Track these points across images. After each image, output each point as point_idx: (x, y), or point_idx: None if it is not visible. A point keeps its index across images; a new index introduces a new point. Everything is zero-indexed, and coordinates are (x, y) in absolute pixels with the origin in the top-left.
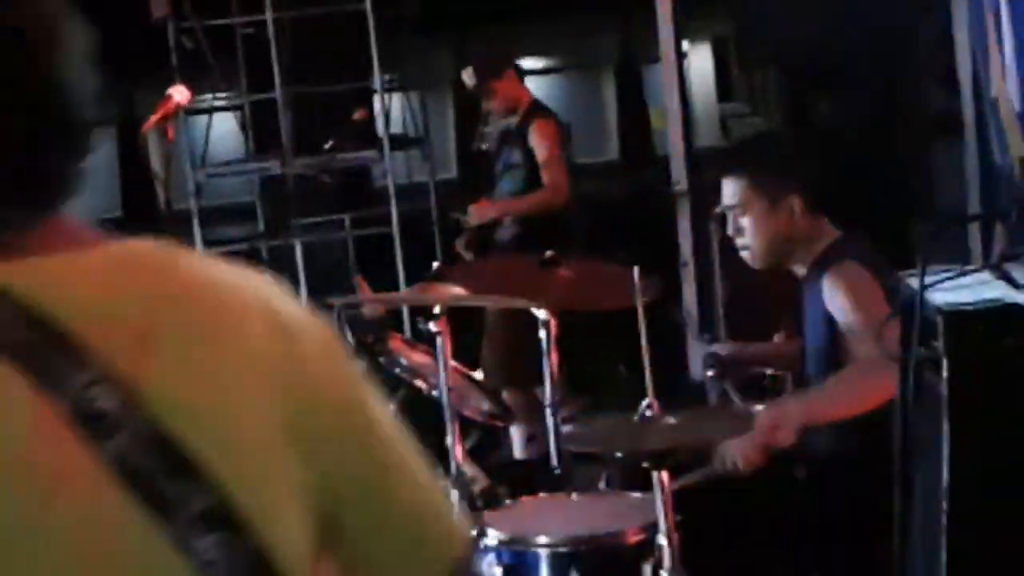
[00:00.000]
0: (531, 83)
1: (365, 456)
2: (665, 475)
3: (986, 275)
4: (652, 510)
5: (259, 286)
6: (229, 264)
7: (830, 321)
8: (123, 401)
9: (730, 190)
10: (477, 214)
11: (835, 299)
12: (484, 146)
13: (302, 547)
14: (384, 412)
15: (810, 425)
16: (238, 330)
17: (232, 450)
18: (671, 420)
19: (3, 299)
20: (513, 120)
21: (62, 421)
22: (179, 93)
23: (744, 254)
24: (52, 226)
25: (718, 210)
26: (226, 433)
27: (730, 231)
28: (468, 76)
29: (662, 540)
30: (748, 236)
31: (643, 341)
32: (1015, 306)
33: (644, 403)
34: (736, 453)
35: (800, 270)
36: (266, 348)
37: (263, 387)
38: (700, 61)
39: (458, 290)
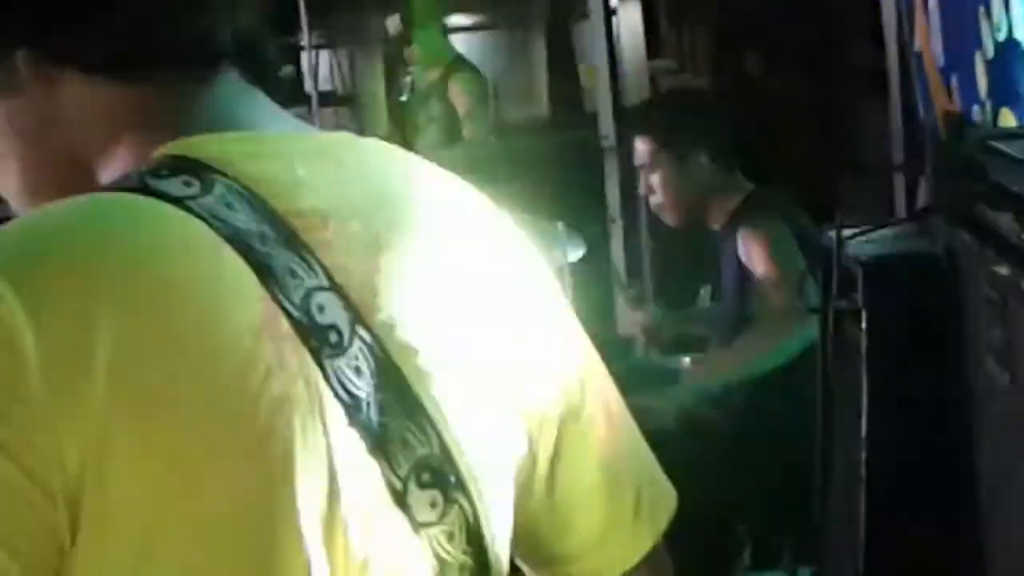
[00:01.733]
0: (460, 40)
1: (600, 404)
2: None
3: (907, 228)
4: None
5: (485, 200)
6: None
7: (745, 275)
8: (351, 315)
9: (640, 149)
10: None
11: (750, 252)
12: (404, 97)
13: (510, 519)
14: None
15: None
16: (479, 249)
17: (456, 389)
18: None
19: (227, 182)
20: (434, 73)
21: (287, 331)
22: None
23: (660, 214)
24: (256, 101)
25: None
26: (455, 368)
27: (642, 190)
28: (392, 24)
29: None
30: (659, 195)
31: (568, 295)
32: (934, 258)
33: None
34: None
35: (715, 224)
36: (523, 277)
37: (498, 309)
38: (629, 18)
39: None
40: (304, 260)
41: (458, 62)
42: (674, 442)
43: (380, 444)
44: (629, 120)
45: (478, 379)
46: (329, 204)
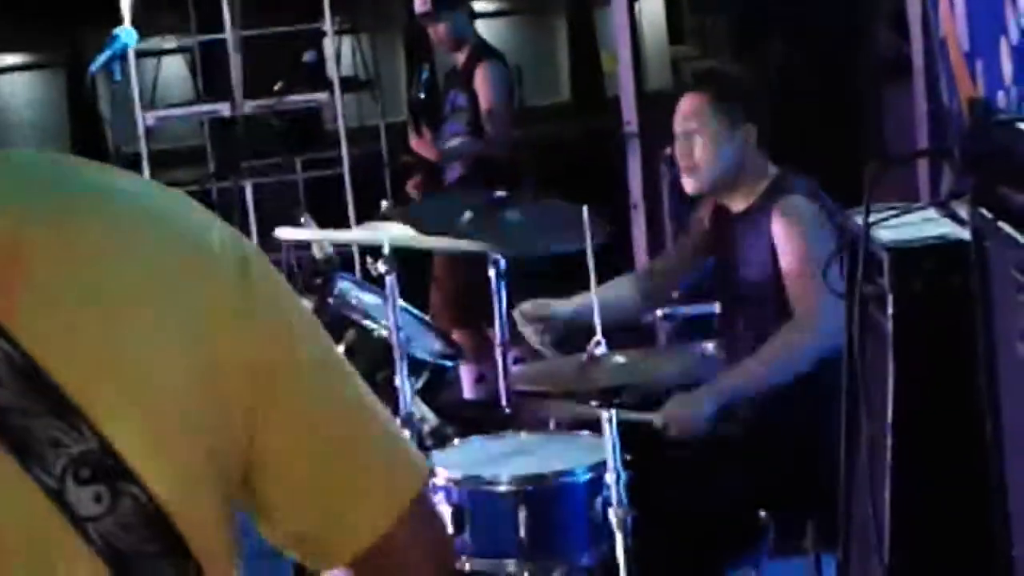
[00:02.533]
0: (483, 25)
1: (298, 393)
2: (613, 414)
3: (932, 213)
4: (601, 449)
5: (167, 199)
6: (132, 176)
7: (774, 255)
8: None
9: (689, 107)
10: (416, 146)
11: (783, 233)
12: (421, 95)
13: (205, 498)
14: (316, 336)
15: (730, 402)
16: (133, 247)
17: (114, 387)
18: (620, 360)
19: None
20: (459, 59)
21: None
22: (126, 33)
23: (686, 180)
24: None
25: (668, 150)
26: (110, 367)
27: (679, 152)
28: (419, 3)
29: (610, 479)
30: (700, 157)
31: (592, 281)
32: (960, 243)
33: (592, 342)
34: (672, 422)
35: (738, 205)
36: (170, 267)
37: (164, 313)
38: (651, 4)
39: (408, 230)
40: None
41: (482, 48)
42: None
43: (23, 446)
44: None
45: (136, 374)
46: None
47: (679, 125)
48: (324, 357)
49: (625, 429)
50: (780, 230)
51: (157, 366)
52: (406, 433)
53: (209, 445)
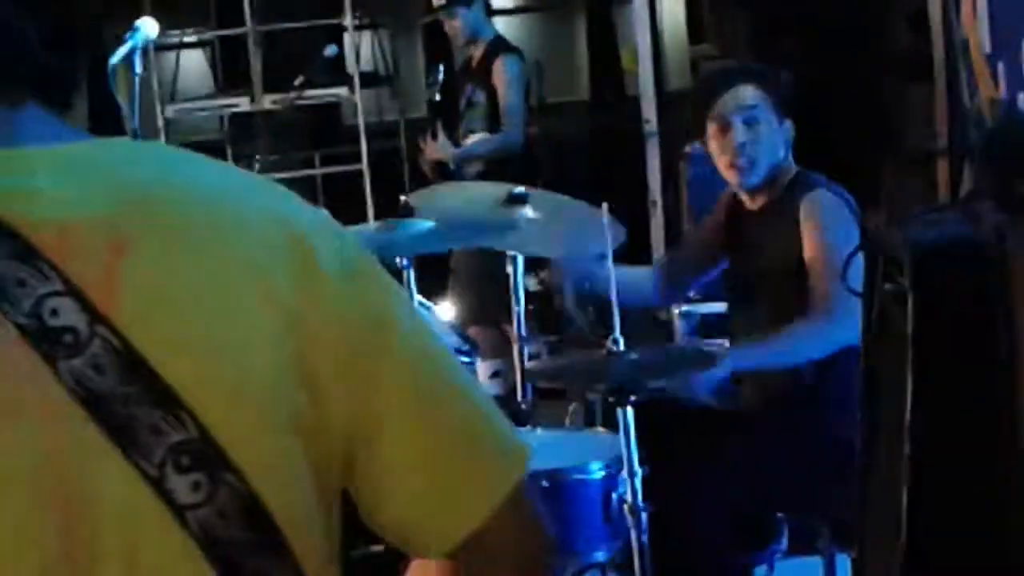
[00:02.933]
0: (502, 22)
1: (397, 381)
2: (630, 411)
3: (954, 212)
4: (616, 446)
5: (264, 189)
6: (226, 165)
7: (793, 250)
8: (90, 316)
9: (750, 96)
10: (429, 153)
11: (809, 225)
12: (437, 97)
13: (302, 492)
14: (419, 324)
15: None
16: (233, 239)
17: (216, 377)
18: (637, 357)
19: None
20: (475, 54)
21: (16, 339)
22: (147, 25)
23: (743, 173)
24: (29, 119)
25: (687, 148)
26: (211, 357)
27: (739, 138)
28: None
29: (626, 474)
30: (760, 150)
31: (611, 278)
32: (981, 243)
33: (611, 339)
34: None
35: (757, 201)
36: (270, 261)
37: (263, 305)
38: (671, 3)
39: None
40: (37, 268)
41: (499, 43)
42: (712, 428)
43: (125, 434)
44: (731, 74)
45: (237, 364)
46: (69, 213)
47: (737, 113)
48: (425, 338)
49: (642, 426)
50: (807, 222)
51: (257, 356)
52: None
53: (306, 435)
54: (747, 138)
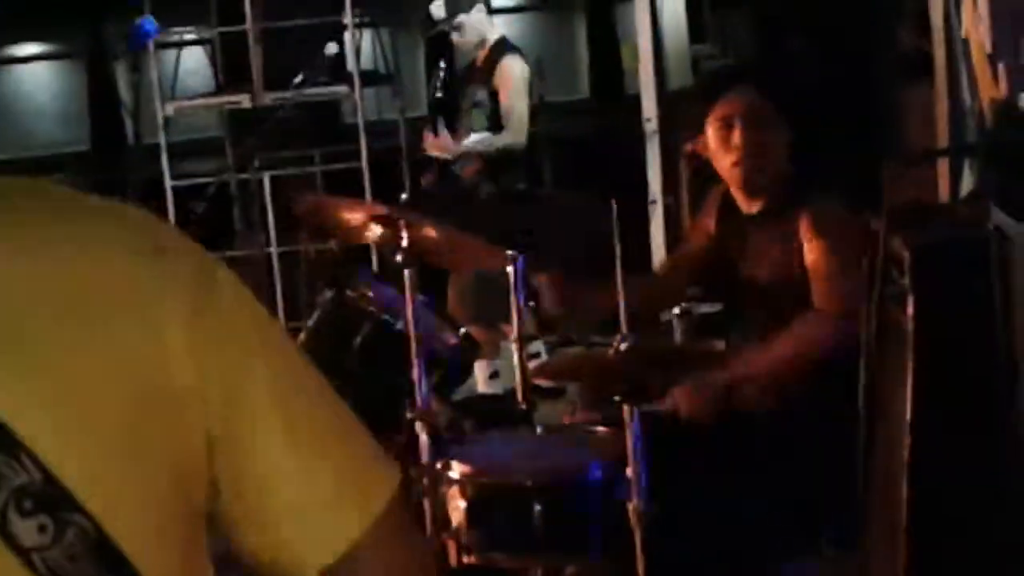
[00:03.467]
0: (503, 21)
1: (263, 398)
2: (633, 409)
3: (953, 212)
4: (617, 444)
5: (112, 214)
6: (87, 194)
7: (791, 256)
8: None
9: (754, 105)
10: (430, 146)
11: (811, 233)
12: (438, 94)
13: (158, 522)
14: (281, 343)
15: (739, 386)
16: (71, 271)
17: (59, 416)
18: (640, 356)
19: None
20: (479, 55)
21: None
22: (149, 24)
23: (754, 177)
24: None
25: (688, 147)
26: (52, 396)
27: (744, 139)
28: (437, 7)
29: (630, 473)
30: (768, 156)
31: (618, 276)
32: (981, 242)
33: (618, 338)
34: (679, 401)
35: (754, 206)
36: (112, 288)
37: (110, 337)
38: (672, 2)
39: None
40: None
41: (504, 45)
42: (713, 428)
43: None
44: (734, 76)
45: (86, 400)
46: None
47: (741, 114)
48: (291, 364)
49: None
50: (809, 231)
51: (101, 392)
52: (420, 427)
53: (163, 467)
54: (752, 139)
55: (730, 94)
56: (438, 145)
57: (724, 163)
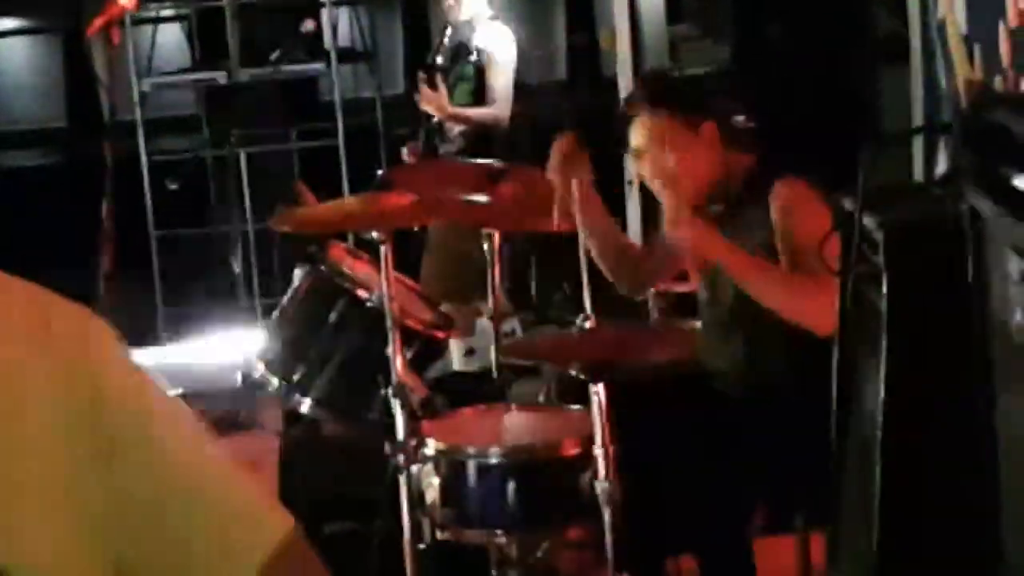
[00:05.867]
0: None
1: (150, 471)
2: (602, 388)
3: (929, 192)
4: (590, 423)
5: (19, 289)
6: None
7: (770, 243)
8: None
9: (652, 128)
10: (426, 98)
11: (783, 214)
12: (439, 59)
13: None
14: (168, 408)
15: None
16: None
17: None
18: (609, 335)
19: None
20: (468, 33)
21: None
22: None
23: (669, 194)
24: None
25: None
26: None
27: (648, 169)
28: None
29: (597, 451)
30: (679, 171)
31: (582, 255)
32: (955, 222)
33: (581, 317)
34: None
35: (718, 203)
36: (23, 360)
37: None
38: None
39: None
40: None
41: (493, 24)
42: (685, 405)
43: None
44: (628, 107)
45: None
46: None
47: (642, 144)
48: (173, 412)
49: (615, 403)
50: (781, 213)
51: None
52: (395, 404)
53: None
54: (658, 165)
55: (638, 123)
56: (434, 100)
57: None
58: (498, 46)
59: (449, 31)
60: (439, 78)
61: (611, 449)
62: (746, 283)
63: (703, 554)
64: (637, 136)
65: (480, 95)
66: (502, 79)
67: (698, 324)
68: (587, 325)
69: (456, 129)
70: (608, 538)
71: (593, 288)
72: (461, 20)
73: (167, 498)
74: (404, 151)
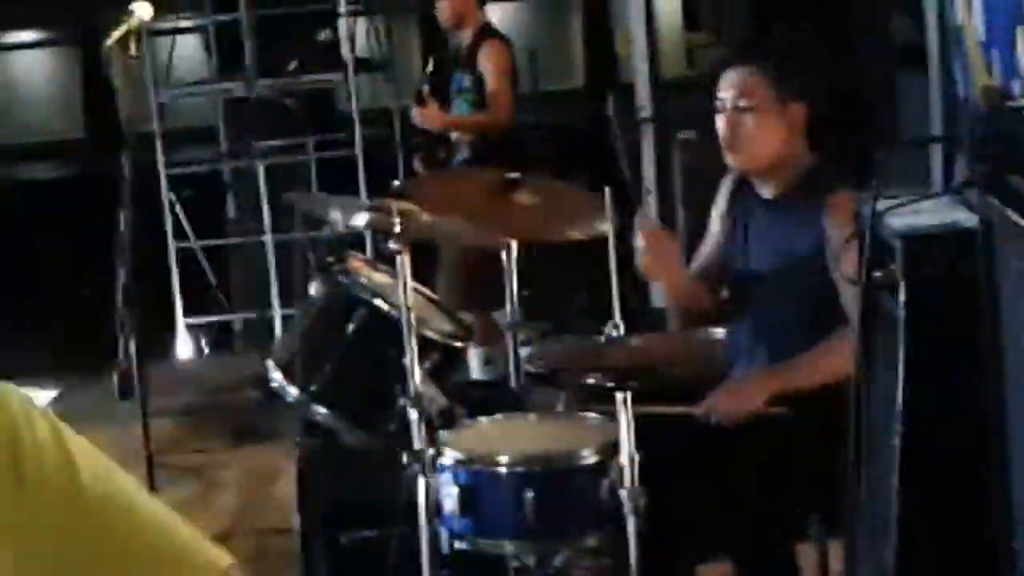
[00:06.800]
0: (497, 9)
1: (83, 540)
2: (627, 396)
3: (946, 200)
4: (608, 431)
5: None
6: None
7: (803, 245)
8: None
9: (742, 81)
10: (420, 117)
11: (838, 230)
12: (429, 69)
13: None
14: (99, 474)
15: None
16: None
17: None
18: (633, 343)
19: None
20: (464, 40)
21: None
22: (142, 9)
23: (731, 156)
24: None
25: (682, 136)
26: None
27: (724, 125)
28: None
29: (623, 460)
30: (749, 136)
31: (611, 262)
32: (972, 230)
33: (609, 325)
34: (720, 411)
35: (769, 190)
36: None
37: None
38: None
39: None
40: None
41: (487, 29)
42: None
43: None
44: (733, 55)
45: None
46: None
47: (727, 98)
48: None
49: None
50: (835, 228)
51: None
52: (413, 413)
53: None
54: (734, 123)
55: (722, 77)
56: (426, 115)
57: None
58: (493, 53)
59: (432, 59)
60: (426, 91)
61: (636, 457)
62: (797, 388)
63: (742, 561)
64: (724, 87)
65: (480, 105)
66: (501, 85)
67: (720, 332)
68: (614, 334)
69: (464, 140)
70: (632, 547)
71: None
72: (456, 30)
73: (101, 554)
74: (415, 160)
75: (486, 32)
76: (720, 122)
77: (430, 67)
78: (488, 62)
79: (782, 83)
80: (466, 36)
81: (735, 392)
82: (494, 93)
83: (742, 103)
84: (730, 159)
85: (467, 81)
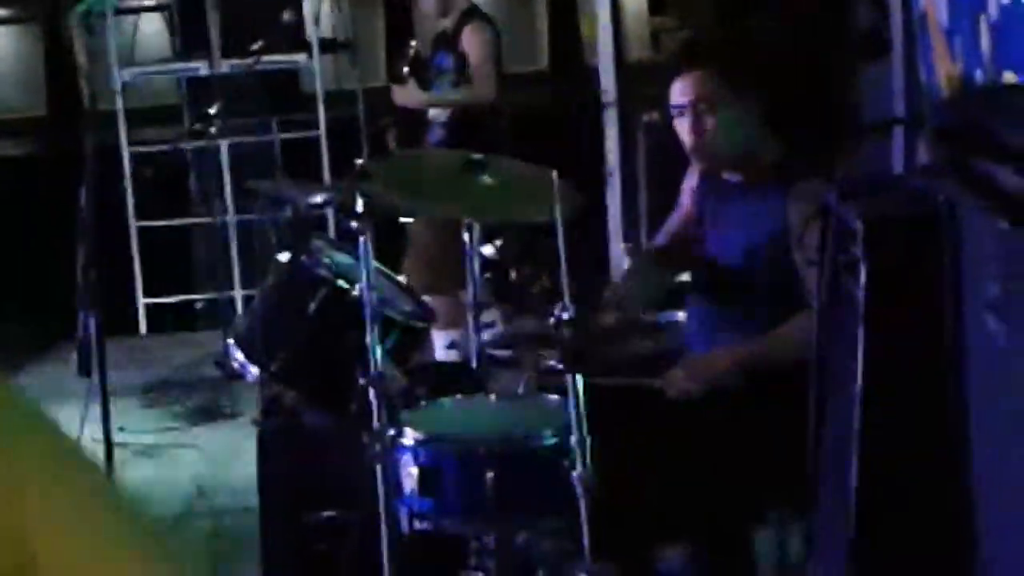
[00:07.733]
0: None
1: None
2: (579, 378)
3: (907, 184)
4: (567, 413)
5: None
6: None
7: (777, 233)
8: None
9: (697, 85)
10: (400, 96)
11: (800, 218)
12: (412, 48)
13: None
14: (63, 473)
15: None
16: None
17: None
18: (589, 325)
19: None
20: (447, 23)
21: None
22: None
23: (696, 157)
24: None
25: (645, 118)
26: None
27: (685, 129)
28: None
29: (573, 442)
30: (711, 136)
31: (560, 245)
32: (933, 214)
33: (559, 307)
34: (681, 382)
35: (736, 176)
36: None
37: None
38: None
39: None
40: None
41: (472, 11)
42: (662, 402)
43: None
44: (682, 58)
45: None
46: None
47: (683, 102)
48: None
49: (596, 395)
50: (797, 211)
51: None
52: (373, 393)
53: None
54: (695, 127)
55: (681, 79)
56: (405, 94)
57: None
58: (476, 33)
59: (413, 43)
60: (406, 71)
61: (587, 439)
62: (758, 362)
63: (699, 544)
64: (677, 95)
65: (461, 84)
66: (484, 63)
67: (681, 315)
68: (565, 316)
69: (439, 119)
70: (584, 528)
71: (571, 279)
72: (442, 16)
73: None
74: (387, 137)
75: (471, 14)
76: (681, 128)
77: (413, 46)
78: (472, 41)
79: (734, 77)
80: (451, 19)
81: (698, 362)
82: (477, 67)
83: (699, 106)
84: (696, 162)
85: (448, 62)
